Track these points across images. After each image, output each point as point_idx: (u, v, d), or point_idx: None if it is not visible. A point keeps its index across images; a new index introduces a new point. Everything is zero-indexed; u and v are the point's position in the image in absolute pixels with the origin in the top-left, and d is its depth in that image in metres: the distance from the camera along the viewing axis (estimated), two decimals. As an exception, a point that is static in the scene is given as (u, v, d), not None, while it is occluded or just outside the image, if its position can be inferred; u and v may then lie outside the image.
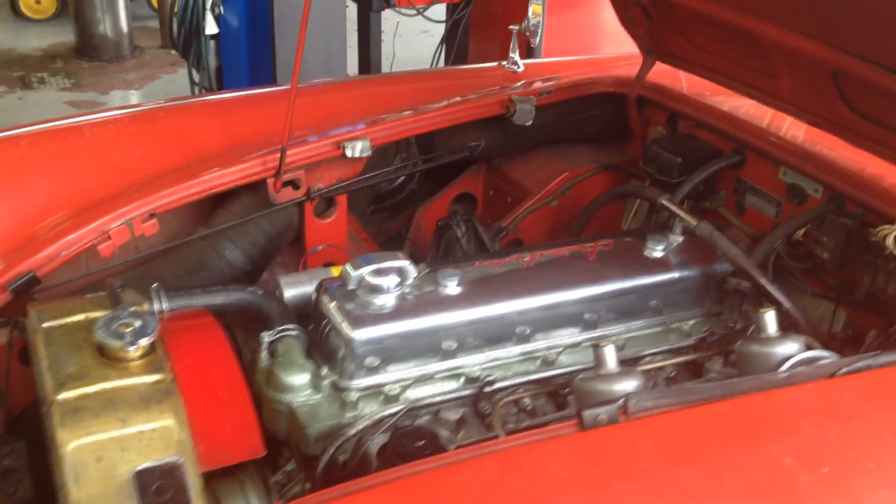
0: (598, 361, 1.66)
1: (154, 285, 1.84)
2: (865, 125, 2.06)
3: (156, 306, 1.80)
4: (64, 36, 7.79)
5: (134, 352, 1.56)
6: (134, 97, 6.87)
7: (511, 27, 2.91)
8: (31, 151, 2.25)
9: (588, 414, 1.40)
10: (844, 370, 1.52)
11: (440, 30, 5.17)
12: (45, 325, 1.66)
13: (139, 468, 1.40)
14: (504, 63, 2.94)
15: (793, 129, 2.36)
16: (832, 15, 1.91)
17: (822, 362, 1.62)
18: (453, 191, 2.92)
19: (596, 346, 1.67)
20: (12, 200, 2.11)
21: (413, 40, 7.01)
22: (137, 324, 1.59)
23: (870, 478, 1.37)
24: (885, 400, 1.51)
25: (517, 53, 2.93)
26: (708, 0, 2.22)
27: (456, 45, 4.93)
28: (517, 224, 2.74)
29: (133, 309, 1.65)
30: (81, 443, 1.40)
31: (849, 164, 2.16)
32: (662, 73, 2.71)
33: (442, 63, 5.08)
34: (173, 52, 5.64)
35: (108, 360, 1.56)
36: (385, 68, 5.19)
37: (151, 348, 1.60)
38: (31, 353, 1.67)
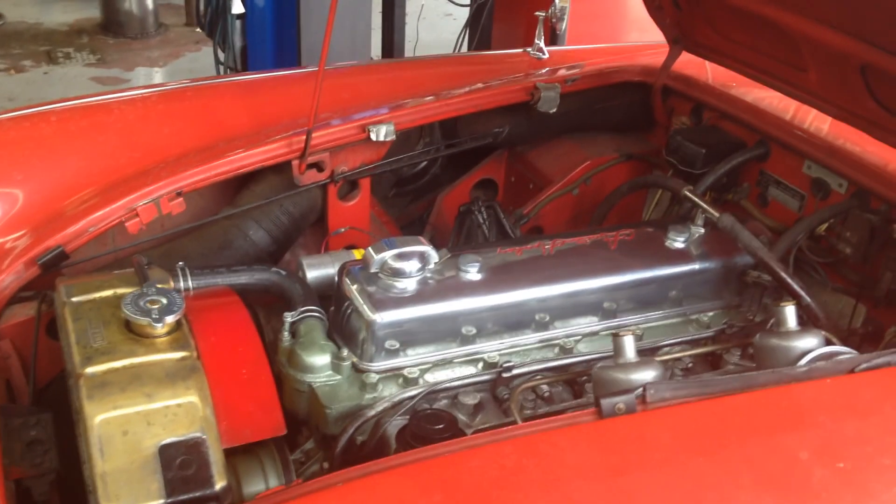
0: (617, 350, 1.68)
1: (179, 263, 1.87)
2: (893, 121, 2.05)
3: (181, 284, 1.84)
4: (90, 11, 7.83)
5: (160, 328, 1.58)
6: (158, 75, 6.90)
7: (537, 13, 2.90)
8: (60, 127, 2.28)
9: (606, 402, 1.42)
10: (863, 366, 1.53)
11: (464, 13, 5.16)
12: (74, 299, 1.69)
13: (164, 442, 1.42)
14: (529, 49, 2.93)
15: (818, 122, 2.35)
16: (863, 9, 1.90)
17: (840, 357, 1.62)
18: (475, 176, 2.92)
19: (615, 336, 1.68)
20: (42, 176, 2.15)
21: (437, 23, 7.00)
22: (164, 301, 1.62)
23: (886, 474, 1.38)
24: (904, 397, 1.51)
25: (542, 40, 2.92)
26: (737, -9, 2.21)
27: (480, 29, 4.92)
28: (538, 211, 2.75)
29: (160, 286, 1.67)
30: (108, 416, 1.43)
31: (874, 160, 2.14)
32: (688, 62, 2.70)
33: (465, 47, 5.07)
34: (198, 30, 5.66)
35: (135, 335, 1.59)
36: (408, 51, 5.19)
37: (177, 325, 1.62)
38: (59, 326, 1.70)
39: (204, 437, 1.45)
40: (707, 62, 2.66)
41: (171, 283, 1.79)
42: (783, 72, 2.31)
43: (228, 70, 4.27)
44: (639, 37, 3.00)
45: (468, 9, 5.06)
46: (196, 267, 1.91)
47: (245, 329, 1.74)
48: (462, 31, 5.10)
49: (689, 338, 2.07)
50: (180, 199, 2.09)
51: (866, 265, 2.12)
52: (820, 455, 1.38)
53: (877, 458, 1.39)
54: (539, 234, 2.77)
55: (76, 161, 2.20)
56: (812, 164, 2.29)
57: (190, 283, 1.85)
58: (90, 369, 1.50)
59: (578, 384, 1.92)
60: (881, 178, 2.10)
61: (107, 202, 2.03)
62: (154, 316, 1.57)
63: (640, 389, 1.45)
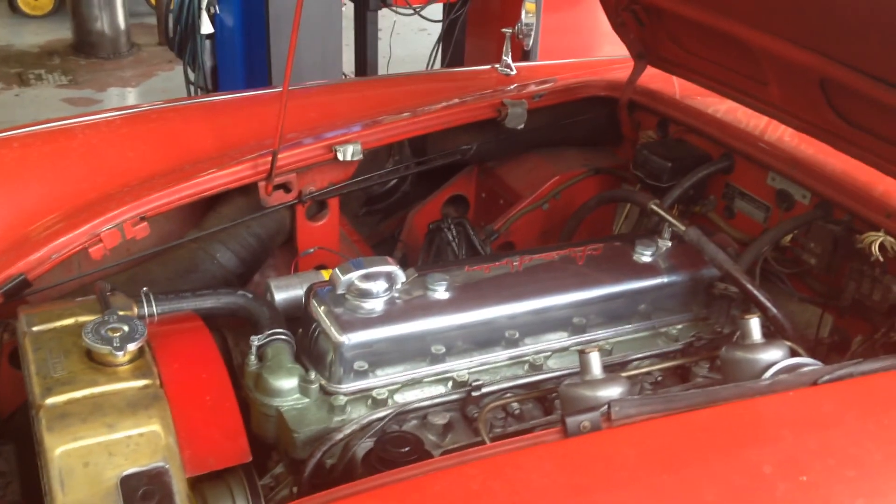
0: (584, 367, 1.68)
1: (143, 289, 1.85)
2: (852, 132, 2.07)
3: (145, 310, 1.82)
4: (61, 32, 7.78)
5: (122, 356, 1.57)
6: (131, 94, 6.87)
7: (504, 30, 2.91)
8: (23, 153, 2.26)
9: (571, 421, 1.42)
10: (826, 378, 1.54)
11: (438, 28, 5.18)
12: (35, 328, 1.67)
13: (125, 473, 1.40)
14: (497, 66, 2.94)
15: (782, 134, 2.37)
16: (820, 23, 1.92)
17: (804, 370, 1.63)
18: (445, 193, 2.93)
19: (581, 353, 1.68)
20: (4, 203, 2.12)
21: (410, 38, 7.00)
22: (126, 328, 1.60)
23: (849, 485, 1.38)
24: (866, 408, 1.52)
25: (510, 56, 2.93)
26: (698, 6, 2.23)
27: (453, 44, 4.94)
28: (509, 227, 2.75)
29: (122, 313, 1.65)
30: (68, 448, 1.41)
31: (836, 171, 2.17)
32: (656, 76, 2.72)
33: (439, 62, 5.08)
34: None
35: (97, 364, 1.57)
36: (382, 66, 5.19)
37: (139, 353, 1.61)
38: (21, 357, 1.68)
39: (167, 466, 1.43)
40: (674, 76, 2.68)
41: (135, 310, 1.77)
42: (745, 85, 2.33)
43: (199, 90, 4.26)
44: (611, 49, 3.01)
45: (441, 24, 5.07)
46: (161, 292, 1.89)
47: (209, 355, 1.73)
48: (435, 46, 5.11)
49: (658, 351, 2.07)
50: (144, 223, 2.08)
51: (831, 275, 2.14)
52: (783, 469, 1.39)
53: (839, 470, 1.40)
54: (509, 250, 2.78)
55: (39, 187, 2.18)
56: (776, 176, 2.31)
57: (154, 308, 1.83)
58: (50, 400, 1.49)
59: (548, 400, 1.92)
60: (843, 189, 2.12)
61: (70, 228, 2.01)
62: (115, 344, 1.55)
63: (605, 407, 1.45)
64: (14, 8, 8.24)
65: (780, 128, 2.37)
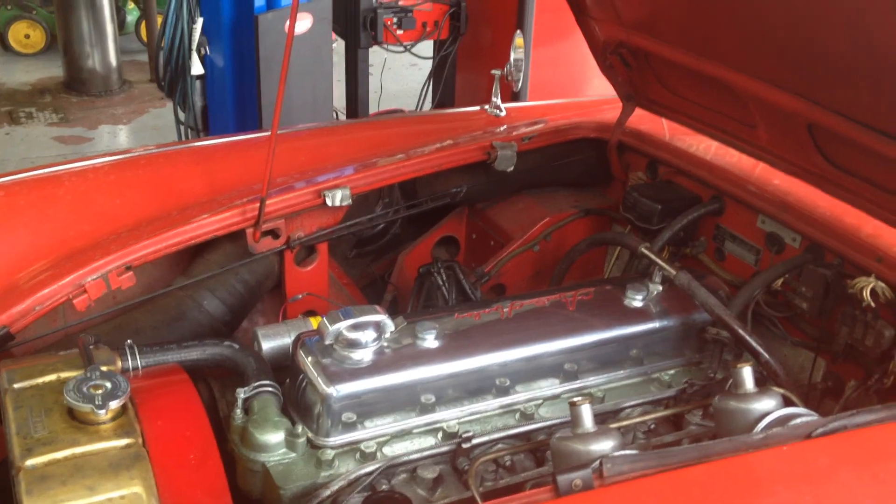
0: (575, 420, 1.65)
1: (128, 342, 1.83)
2: (841, 176, 2.07)
3: (129, 364, 1.79)
4: (53, 70, 7.80)
5: (104, 415, 1.54)
6: (122, 132, 6.87)
7: (493, 72, 2.92)
8: (9, 201, 2.24)
9: (563, 479, 1.39)
10: (820, 431, 1.51)
11: (429, 63, 5.20)
12: (16, 385, 1.64)
13: (106, 538, 1.37)
14: (486, 107, 2.95)
15: (771, 177, 2.37)
16: (806, 69, 1.93)
17: (798, 421, 1.61)
18: (436, 235, 2.92)
19: (572, 405, 1.65)
20: (-10, 251, 2.10)
21: (402, 73, 7.05)
22: (108, 385, 1.57)
23: (845, 543, 1.36)
24: (861, 462, 1.50)
25: (499, 97, 2.94)
26: (684, 51, 2.24)
27: (443, 80, 4.96)
28: (499, 269, 2.74)
29: (104, 369, 1.63)
30: (48, 512, 1.38)
31: (826, 214, 2.16)
32: (645, 117, 2.72)
33: (429, 99, 5.10)
34: (161, 87, 5.64)
35: (78, 423, 1.54)
36: (373, 102, 5.21)
37: (122, 410, 1.58)
38: (2, 414, 1.65)
39: (148, 530, 1.40)
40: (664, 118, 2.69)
41: (119, 364, 1.75)
42: (733, 128, 2.34)
43: (190, 130, 4.25)
44: (600, 83, 3.01)
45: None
46: (146, 343, 1.87)
47: (193, 411, 1.70)
48: (426, 81, 5.14)
49: (651, 398, 2.05)
50: (130, 272, 2.06)
51: (823, 319, 2.12)
52: (779, 526, 1.36)
53: (835, 527, 1.38)
54: (501, 293, 2.76)
55: (26, 235, 2.16)
56: (766, 219, 2.30)
57: (139, 361, 1.80)
58: (30, 462, 1.46)
59: (540, 450, 1.89)
60: (833, 233, 2.11)
61: (54, 279, 1.99)
62: (97, 402, 1.53)
63: (597, 463, 1.42)
64: (5, 46, 8.27)
65: (770, 170, 2.37)
